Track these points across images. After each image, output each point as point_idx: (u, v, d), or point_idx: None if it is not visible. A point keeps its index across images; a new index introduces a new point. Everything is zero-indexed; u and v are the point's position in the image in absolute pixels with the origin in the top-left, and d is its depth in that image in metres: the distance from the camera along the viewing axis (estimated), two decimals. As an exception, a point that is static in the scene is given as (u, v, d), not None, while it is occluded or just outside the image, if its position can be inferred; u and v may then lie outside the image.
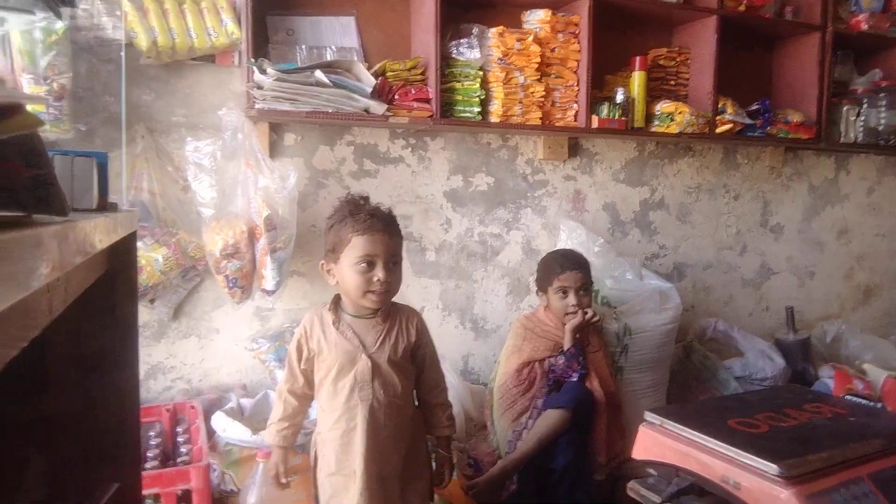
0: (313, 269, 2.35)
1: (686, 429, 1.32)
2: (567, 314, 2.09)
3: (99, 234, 0.59)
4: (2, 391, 0.77)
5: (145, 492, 1.58)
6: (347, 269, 1.45)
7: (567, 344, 2.04)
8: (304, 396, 1.57)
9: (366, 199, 1.54)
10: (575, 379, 1.99)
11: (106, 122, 2.04)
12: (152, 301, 2.11)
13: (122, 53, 1.92)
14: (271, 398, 2.03)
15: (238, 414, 1.93)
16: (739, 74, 2.94)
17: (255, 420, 1.95)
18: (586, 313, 2.07)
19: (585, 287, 2.12)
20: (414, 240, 2.51)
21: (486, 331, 2.68)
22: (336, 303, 1.55)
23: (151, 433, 1.90)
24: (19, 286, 0.33)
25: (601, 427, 1.98)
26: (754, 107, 2.89)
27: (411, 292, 2.49)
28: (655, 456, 1.35)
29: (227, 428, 1.80)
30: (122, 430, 0.86)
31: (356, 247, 1.44)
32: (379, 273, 1.44)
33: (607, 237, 2.79)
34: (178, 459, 1.75)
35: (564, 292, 2.09)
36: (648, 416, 1.43)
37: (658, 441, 1.34)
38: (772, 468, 1.22)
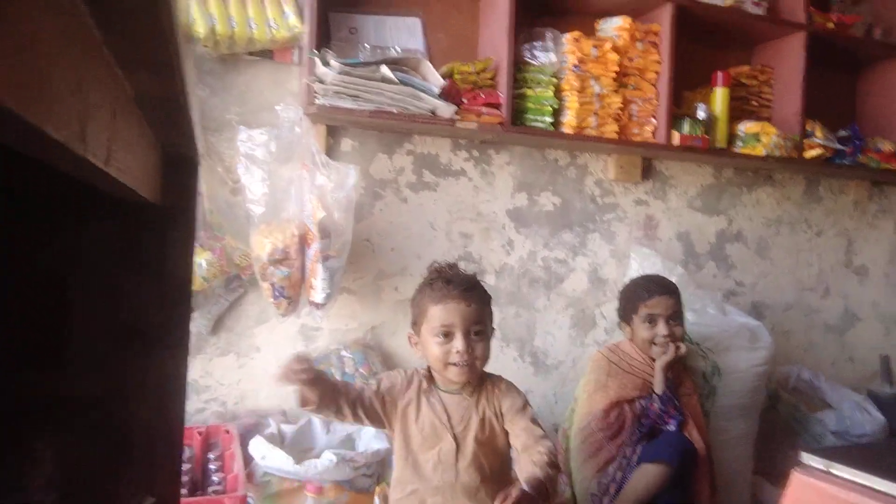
0: (364, 287, 2.15)
1: (871, 477, 1.03)
2: (654, 345, 1.84)
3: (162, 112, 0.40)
4: (7, 362, 0.58)
5: (172, 523, 1.35)
6: (427, 341, 1.38)
7: (658, 384, 1.79)
8: (358, 404, 1.37)
9: (453, 266, 1.44)
10: (673, 427, 1.73)
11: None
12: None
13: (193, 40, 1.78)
14: (315, 426, 1.80)
15: (278, 441, 1.71)
16: (822, 98, 2.72)
17: (296, 449, 1.72)
18: (679, 347, 1.82)
19: (676, 316, 1.87)
20: (473, 261, 2.30)
21: (546, 366, 2.43)
22: (430, 371, 1.46)
23: (180, 458, 1.68)
24: None
25: (703, 485, 1.71)
26: (842, 133, 2.66)
27: (468, 318, 2.26)
28: (821, 511, 1.07)
29: (267, 455, 1.57)
30: (161, 431, 0.65)
31: (432, 317, 1.36)
32: (457, 344, 1.34)
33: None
34: (210, 489, 1.53)
35: (652, 321, 1.85)
36: (807, 457, 1.16)
37: (825, 493, 1.06)
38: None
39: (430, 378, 1.44)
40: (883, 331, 3.08)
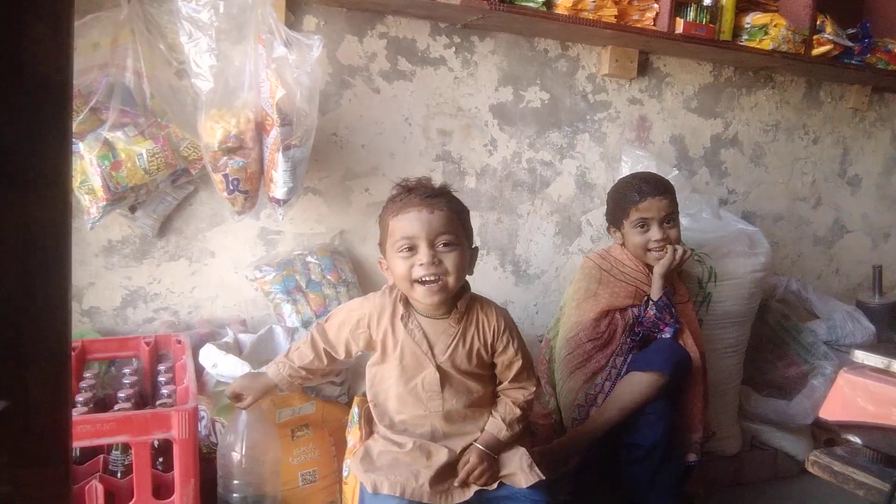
0: (332, 188, 1.94)
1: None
2: (650, 251, 1.69)
3: None
4: None
5: (111, 440, 1.18)
6: (392, 259, 1.24)
7: (656, 291, 1.64)
8: (328, 356, 1.36)
9: (421, 179, 1.29)
10: (668, 335, 1.60)
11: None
12: (133, 209, 1.70)
13: None
14: (277, 334, 1.63)
15: (235, 350, 1.53)
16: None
17: (256, 360, 1.55)
18: (676, 250, 1.66)
19: (671, 217, 1.70)
20: (452, 161, 2.10)
21: (528, 276, 2.28)
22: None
23: (126, 370, 1.50)
24: None
25: (697, 397, 1.60)
26: (851, 30, 2.47)
27: (446, 223, 2.08)
28: (874, 417, 0.93)
29: (220, 362, 1.41)
30: (31, 307, 0.45)
31: (393, 231, 1.23)
32: (421, 257, 1.19)
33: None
34: (158, 403, 1.35)
35: (644, 225, 1.68)
36: (862, 356, 1.02)
37: (879, 393, 0.93)
38: None
39: (407, 302, 1.30)
40: (870, 243, 2.99)
